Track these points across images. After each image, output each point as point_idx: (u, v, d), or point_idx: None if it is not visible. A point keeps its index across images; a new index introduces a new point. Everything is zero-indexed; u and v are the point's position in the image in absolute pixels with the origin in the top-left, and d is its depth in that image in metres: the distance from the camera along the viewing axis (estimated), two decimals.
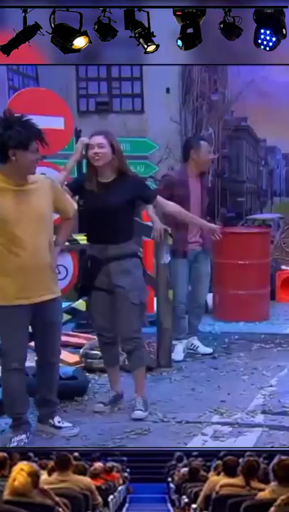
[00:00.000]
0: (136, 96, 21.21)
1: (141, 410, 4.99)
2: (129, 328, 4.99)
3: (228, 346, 7.06)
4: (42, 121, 5.97)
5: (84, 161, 6.87)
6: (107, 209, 4.80)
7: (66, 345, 6.42)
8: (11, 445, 4.48)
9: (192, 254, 6.60)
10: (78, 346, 6.43)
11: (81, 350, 6.15)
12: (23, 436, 4.51)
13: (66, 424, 4.73)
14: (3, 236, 4.28)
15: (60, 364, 5.72)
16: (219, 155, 22.54)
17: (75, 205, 4.75)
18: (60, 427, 4.70)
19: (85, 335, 6.77)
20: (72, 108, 16.33)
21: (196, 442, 4.69)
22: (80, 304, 6.57)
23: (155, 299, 6.66)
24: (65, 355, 6.00)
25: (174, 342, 6.44)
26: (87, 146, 4.97)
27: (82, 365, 5.93)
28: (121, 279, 4.88)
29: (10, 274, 4.32)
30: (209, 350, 6.73)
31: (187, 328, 6.69)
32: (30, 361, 6.27)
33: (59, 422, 4.72)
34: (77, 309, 6.93)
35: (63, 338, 6.72)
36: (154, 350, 6.47)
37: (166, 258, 6.20)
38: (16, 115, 4.32)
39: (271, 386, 5.74)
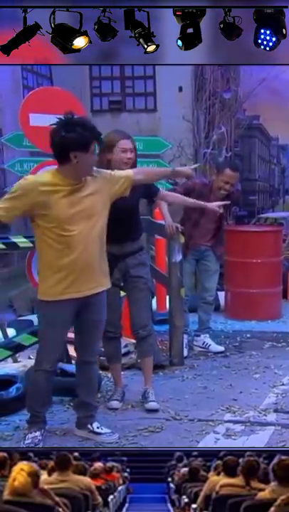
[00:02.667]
0: (149, 95, 21.19)
1: (155, 401, 5.18)
2: (146, 315, 5.28)
3: (240, 345, 7.08)
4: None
5: None
6: (125, 209, 4.91)
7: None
8: (26, 442, 4.50)
9: (199, 251, 6.68)
10: None
11: None
12: (38, 433, 4.53)
13: (105, 429, 4.73)
14: (55, 234, 4.29)
15: (73, 361, 5.77)
16: (231, 153, 22.49)
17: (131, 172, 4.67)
18: (100, 433, 4.69)
19: None
20: (86, 107, 16.41)
21: (208, 440, 4.71)
22: None
23: (167, 298, 6.69)
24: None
25: None
26: (110, 149, 5.00)
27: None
28: (139, 271, 5.20)
29: (60, 271, 4.33)
30: (221, 348, 6.75)
31: (187, 322, 6.76)
32: None
33: (98, 427, 4.71)
34: None
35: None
36: (166, 349, 6.50)
37: (178, 256, 6.23)
38: (76, 117, 4.34)
39: (283, 385, 5.75)
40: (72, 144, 4.21)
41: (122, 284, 5.24)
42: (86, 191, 4.37)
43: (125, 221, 5.02)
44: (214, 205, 5.91)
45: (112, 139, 5.04)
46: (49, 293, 4.39)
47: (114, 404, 5.26)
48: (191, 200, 5.85)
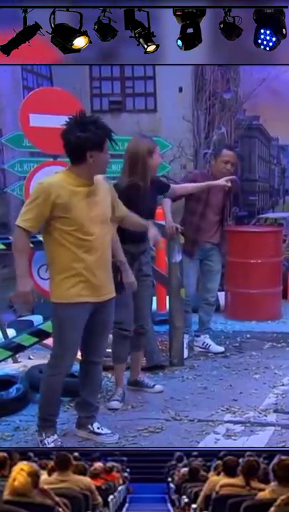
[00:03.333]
0: (149, 95, 21.19)
1: (156, 384, 5.57)
2: (149, 312, 5.59)
3: (239, 345, 7.08)
4: (56, 121, 6.02)
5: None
6: (147, 210, 5.16)
7: None
8: (49, 446, 4.49)
9: (203, 250, 6.64)
10: None
11: None
12: (55, 436, 4.53)
13: (105, 430, 4.73)
14: (74, 236, 4.27)
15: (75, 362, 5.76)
16: None
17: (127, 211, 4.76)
18: (100, 434, 4.69)
19: None
20: (86, 107, 16.33)
21: (209, 441, 4.71)
22: None
23: (167, 298, 6.69)
24: (78, 353, 6.04)
25: None
26: (153, 152, 5.22)
27: None
28: (148, 269, 5.49)
29: (78, 274, 4.31)
30: (221, 348, 6.75)
31: (190, 322, 6.75)
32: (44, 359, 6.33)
33: (98, 428, 4.71)
34: None
35: None
36: (166, 349, 6.50)
37: (178, 257, 6.23)
38: (88, 116, 4.34)
39: (283, 385, 5.75)
40: (89, 143, 4.21)
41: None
42: (99, 195, 4.39)
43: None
44: (221, 181, 6.07)
45: (151, 144, 5.30)
46: (66, 295, 4.34)
47: (115, 404, 5.27)
48: (199, 185, 6.12)
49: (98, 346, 4.64)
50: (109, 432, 4.73)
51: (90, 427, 4.70)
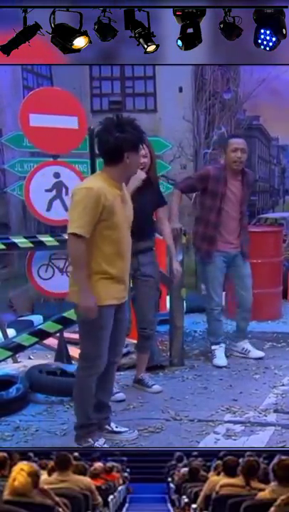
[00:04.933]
0: (149, 95, 21.22)
1: (155, 384, 5.60)
2: (154, 314, 5.53)
3: None
4: (56, 121, 6.04)
5: (98, 162, 6.94)
6: (141, 210, 5.04)
7: (77, 342, 6.45)
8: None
9: (228, 257, 6.42)
10: None
11: None
12: (102, 440, 4.52)
13: (123, 428, 4.73)
14: (111, 243, 4.28)
15: (73, 361, 5.78)
16: None
17: None
18: (120, 432, 4.69)
19: None
20: (86, 107, 16.35)
21: (209, 441, 4.71)
22: (71, 314, 6.63)
23: (168, 298, 6.68)
24: (77, 352, 6.04)
25: (212, 347, 6.41)
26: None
27: None
28: (150, 269, 5.47)
29: (113, 278, 4.32)
30: (261, 353, 6.60)
31: (221, 331, 6.57)
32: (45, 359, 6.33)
33: (116, 426, 4.71)
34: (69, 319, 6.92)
35: (75, 336, 6.77)
36: (166, 349, 6.50)
37: (179, 256, 6.22)
38: (124, 117, 4.36)
39: (283, 385, 5.75)
40: (127, 144, 4.24)
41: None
42: (128, 197, 4.45)
43: (142, 220, 5.11)
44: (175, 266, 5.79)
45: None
46: (100, 298, 4.30)
47: (120, 396, 5.34)
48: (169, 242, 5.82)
49: (118, 345, 4.62)
50: (127, 429, 4.74)
51: (107, 427, 4.69)
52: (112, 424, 4.71)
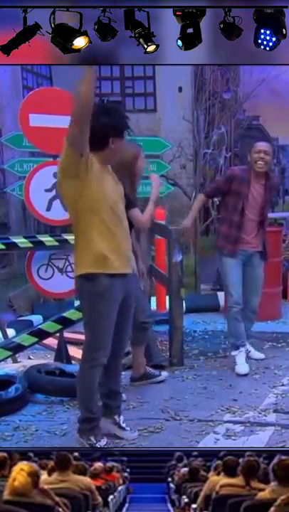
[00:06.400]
0: (149, 95, 21.23)
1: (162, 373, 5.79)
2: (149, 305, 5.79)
3: None
4: (56, 121, 6.04)
5: None
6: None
7: (77, 342, 6.46)
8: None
9: (245, 255, 6.35)
10: None
11: None
12: (104, 440, 4.50)
13: (127, 427, 4.74)
14: (105, 213, 4.30)
15: (73, 361, 5.78)
16: (231, 154, 22.45)
17: None
18: (124, 428, 4.70)
19: None
20: None
21: (208, 441, 4.71)
22: (71, 314, 6.63)
23: (167, 298, 6.69)
24: (76, 352, 6.05)
25: (232, 353, 6.31)
26: (137, 159, 5.33)
27: None
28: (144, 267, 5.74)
29: (105, 251, 4.31)
30: (261, 355, 6.59)
31: (244, 332, 6.44)
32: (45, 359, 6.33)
33: (123, 421, 4.71)
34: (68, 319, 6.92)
35: (75, 336, 6.79)
36: (166, 349, 6.50)
37: (178, 257, 6.23)
38: (109, 103, 4.39)
39: (283, 385, 5.75)
40: (112, 129, 4.29)
41: None
42: (117, 184, 4.52)
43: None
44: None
45: (137, 149, 5.43)
46: (105, 265, 4.35)
47: (122, 395, 5.31)
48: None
49: (123, 335, 4.57)
50: (129, 428, 4.74)
51: (116, 417, 4.69)
52: (121, 418, 4.71)
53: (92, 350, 4.42)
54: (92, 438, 4.45)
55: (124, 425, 4.70)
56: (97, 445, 4.46)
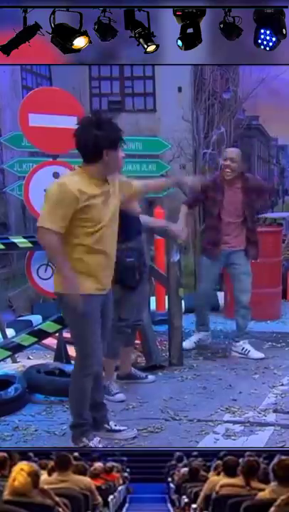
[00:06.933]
0: (148, 95, 21.24)
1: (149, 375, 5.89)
2: (147, 305, 5.95)
3: None
4: (55, 121, 6.04)
5: None
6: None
7: None
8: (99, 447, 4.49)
9: (224, 255, 6.60)
10: None
11: None
12: (96, 439, 4.53)
13: (122, 427, 4.75)
14: (91, 235, 4.30)
15: (72, 361, 5.77)
16: None
17: None
18: (120, 430, 4.71)
19: None
20: (85, 107, 16.33)
21: (208, 441, 4.71)
22: None
23: (166, 298, 6.69)
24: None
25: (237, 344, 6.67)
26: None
27: None
28: (147, 266, 5.64)
29: (92, 270, 4.34)
30: (261, 355, 6.62)
31: (205, 320, 6.89)
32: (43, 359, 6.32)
33: (115, 425, 4.73)
34: None
35: None
36: (165, 349, 6.50)
37: (176, 256, 6.24)
38: (103, 115, 4.38)
39: (283, 385, 5.75)
40: (106, 141, 4.26)
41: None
42: (113, 194, 4.44)
43: (138, 217, 5.35)
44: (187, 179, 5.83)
45: None
46: (85, 288, 4.35)
47: (121, 396, 5.39)
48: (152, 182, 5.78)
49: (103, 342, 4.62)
50: (126, 427, 4.76)
51: (106, 426, 4.71)
52: (111, 423, 4.73)
53: (83, 359, 4.49)
54: (84, 440, 4.50)
55: (117, 428, 4.72)
56: (91, 444, 4.48)
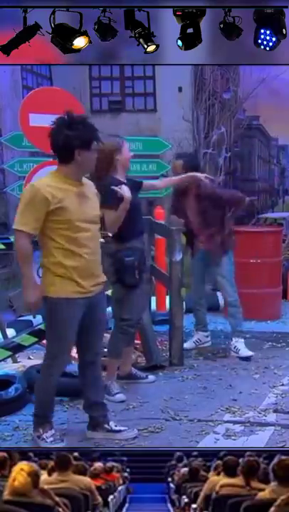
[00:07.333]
0: (148, 95, 21.25)
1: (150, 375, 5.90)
2: (147, 306, 5.96)
3: None
4: None
5: None
6: (138, 204, 5.37)
7: None
8: (49, 440, 4.47)
9: (202, 253, 6.69)
10: None
11: None
12: (53, 431, 4.53)
13: (122, 427, 4.73)
14: (66, 238, 4.30)
15: (73, 361, 5.77)
16: (231, 154, 22.46)
17: None
18: (120, 431, 4.69)
19: None
20: (86, 107, 16.39)
21: (208, 441, 4.70)
22: None
23: (167, 297, 6.68)
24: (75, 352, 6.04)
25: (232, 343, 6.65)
26: (118, 151, 5.29)
27: None
28: (146, 266, 5.61)
29: (71, 273, 4.34)
30: (249, 353, 6.58)
31: (202, 320, 6.92)
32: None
33: (116, 425, 4.72)
34: None
35: None
36: (165, 349, 6.50)
37: (178, 256, 6.23)
38: (76, 115, 4.37)
39: (283, 385, 5.75)
40: (77, 141, 4.25)
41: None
42: (89, 194, 4.43)
43: (138, 216, 5.35)
44: (199, 175, 6.19)
45: (118, 142, 5.35)
46: (60, 291, 4.37)
47: (121, 396, 5.36)
48: (174, 179, 6.24)
49: (93, 345, 4.64)
50: (127, 427, 4.75)
51: (106, 426, 4.70)
52: (112, 423, 4.72)
53: (49, 359, 4.54)
54: (40, 430, 4.51)
55: (117, 428, 4.71)
56: (44, 436, 4.48)
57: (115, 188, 5.07)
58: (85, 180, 4.46)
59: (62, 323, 4.41)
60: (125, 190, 5.08)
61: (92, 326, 4.54)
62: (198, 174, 6.20)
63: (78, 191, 4.34)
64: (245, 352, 6.57)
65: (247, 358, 6.48)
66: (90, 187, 4.47)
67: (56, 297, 4.37)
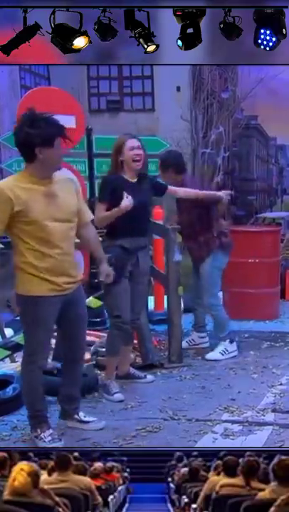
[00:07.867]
0: (147, 94, 21.26)
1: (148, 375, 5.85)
2: (143, 308, 5.90)
3: (238, 344, 7.06)
4: None
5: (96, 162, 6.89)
6: (142, 206, 5.27)
7: None
8: (47, 440, 4.46)
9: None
10: (89, 344, 6.46)
11: (92, 348, 6.19)
12: (51, 430, 4.54)
13: (91, 418, 4.79)
14: (36, 239, 4.28)
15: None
16: (229, 153, 22.48)
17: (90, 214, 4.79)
18: (88, 421, 4.75)
19: (96, 332, 6.80)
20: (84, 107, 16.35)
21: (206, 440, 4.70)
22: (92, 302, 6.62)
23: (165, 297, 6.68)
24: None
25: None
26: (122, 147, 5.26)
27: (93, 362, 5.97)
28: (147, 266, 5.62)
29: (42, 272, 4.34)
30: (215, 357, 6.52)
31: (200, 320, 6.89)
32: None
33: (84, 416, 4.77)
34: (88, 307, 6.96)
35: None
36: (164, 348, 6.50)
37: (178, 256, 6.23)
38: (38, 113, 4.32)
39: (281, 384, 5.74)
40: (37, 139, 4.20)
41: (128, 275, 5.39)
42: (60, 192, 4.37)
43: (137, 217, 5.24)
44: (225, 193, 6.35)
45: (119, 141, 5.31)
46: (33, 289, 4.37)
47: (119, 396, 5.35)
48: (202, 193, 6.19)
49: (75, 341, 4.66)
50: (95, 418, 4.80)
51: (76, 416, 4.76)
52: (81, 414, 4.77)
53: (27, 355, 4.57)
54: (38, 430, 4.52)
55: (86, 419, 4.77)
56: (42, 436, 4.48)
57: (124, 193, 5.09)
58: (59, 177, 4.39)
59: (36, 320, 4.42)
60: (126, 202, 5.09)
61: (73, 322, 4.57)
62: (221, 194, 6.32)
63: (46, 190, 4.29)
64: (214, 355, 6.51)
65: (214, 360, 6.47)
66: (63, 184, 4.40)
67: (29, 295, 4.38)
